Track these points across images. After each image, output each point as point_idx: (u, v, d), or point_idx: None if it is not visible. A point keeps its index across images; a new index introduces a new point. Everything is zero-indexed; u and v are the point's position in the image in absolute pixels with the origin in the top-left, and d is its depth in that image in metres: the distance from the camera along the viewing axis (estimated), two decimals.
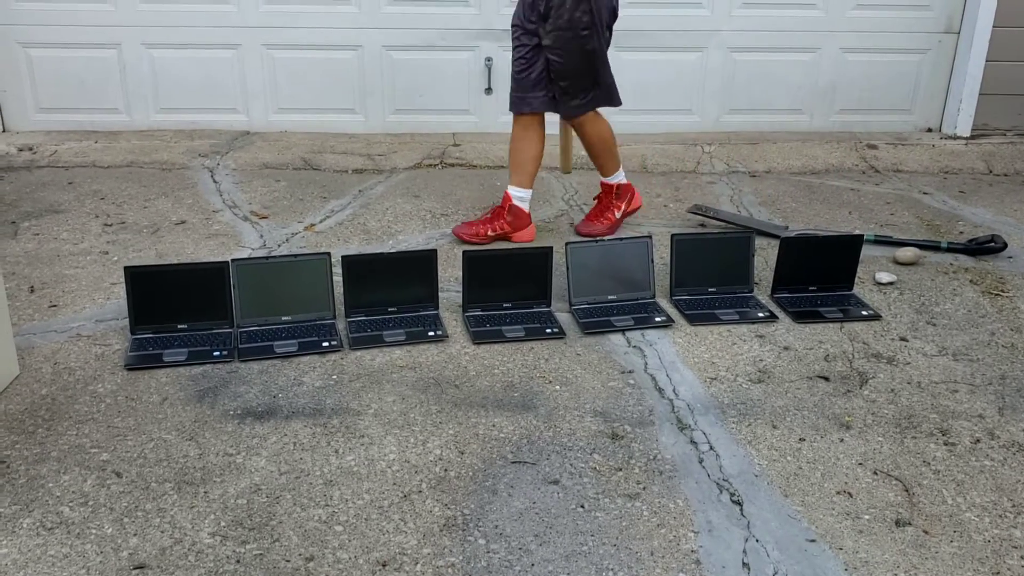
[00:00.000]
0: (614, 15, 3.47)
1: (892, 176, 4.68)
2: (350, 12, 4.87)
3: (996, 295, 3.29)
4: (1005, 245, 3.63)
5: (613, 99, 3.58)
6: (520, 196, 3.64)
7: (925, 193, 4.42)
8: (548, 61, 3.41)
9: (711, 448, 2.36)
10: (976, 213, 4.16)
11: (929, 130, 5.25)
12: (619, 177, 3.74)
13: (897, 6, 5.00)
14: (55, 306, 3.08)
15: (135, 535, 2.00)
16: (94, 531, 2.01)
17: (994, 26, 4.90)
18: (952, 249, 3.65)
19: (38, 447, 2.30)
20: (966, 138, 5.10)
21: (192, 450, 2.31)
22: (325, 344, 2.82)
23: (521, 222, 3.65)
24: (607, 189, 3.75)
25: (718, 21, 4.97)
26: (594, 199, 3.86)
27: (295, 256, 3.04)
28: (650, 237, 3.20)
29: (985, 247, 3.62)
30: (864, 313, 3.10)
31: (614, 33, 3.51)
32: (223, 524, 2.04)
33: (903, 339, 2.96)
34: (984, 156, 4.91)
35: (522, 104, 3.53)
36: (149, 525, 2.03)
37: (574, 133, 3.76)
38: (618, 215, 3.76)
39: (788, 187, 4.47)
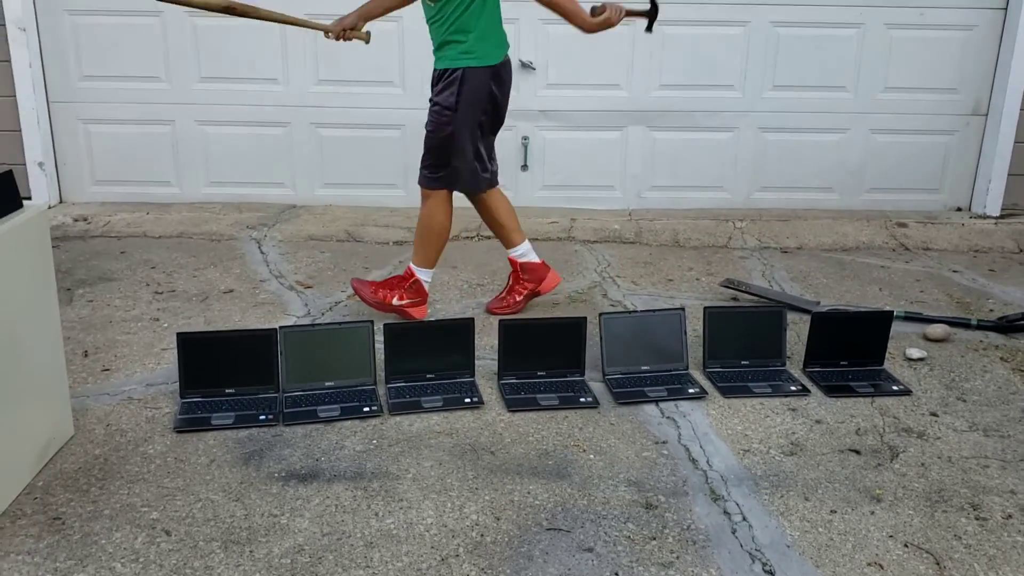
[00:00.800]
0: (495, 105, 3.44)
1: (922, 254, 4.73)
2: (395, 94, 5.08)
3: None
4: None
5: (469, 184, 3.53)
6: (520, 253, 3.70)
7: (955, 271, 4.47)
8: None
9: (744, 519, 2.40)
10: (1006, 291, 4.19)
11: (959, 209, 5.31)
12: (425, 275, 3.60)
13: (925, 88, 5.12)
14: (108, 370, 3.20)
15: None
16: None
17: (1022, 108, 4.99)
18: (982, 326, 3.68)
19: (91, 505, 2.40)
20: (995, 217, 5.15)
21: (238, 510, 2.39)
22: (366, 409, 2.90)
23: (539, 274, 3.73)
24: (407, 274, 3.60)
25: (750, 102, 5.12)
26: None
27: (339, 324, 3.15)
28: (683, 309, 3.27)
29: (1016, 324, 3.65)
30: (895, 388, 3.14)
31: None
32: None
33: (933, 414, 2.99)
34: (1014, 235, 4.95)
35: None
36: None
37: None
38: (398, 303, 3.55)
39: (819, 263, 4.54)
